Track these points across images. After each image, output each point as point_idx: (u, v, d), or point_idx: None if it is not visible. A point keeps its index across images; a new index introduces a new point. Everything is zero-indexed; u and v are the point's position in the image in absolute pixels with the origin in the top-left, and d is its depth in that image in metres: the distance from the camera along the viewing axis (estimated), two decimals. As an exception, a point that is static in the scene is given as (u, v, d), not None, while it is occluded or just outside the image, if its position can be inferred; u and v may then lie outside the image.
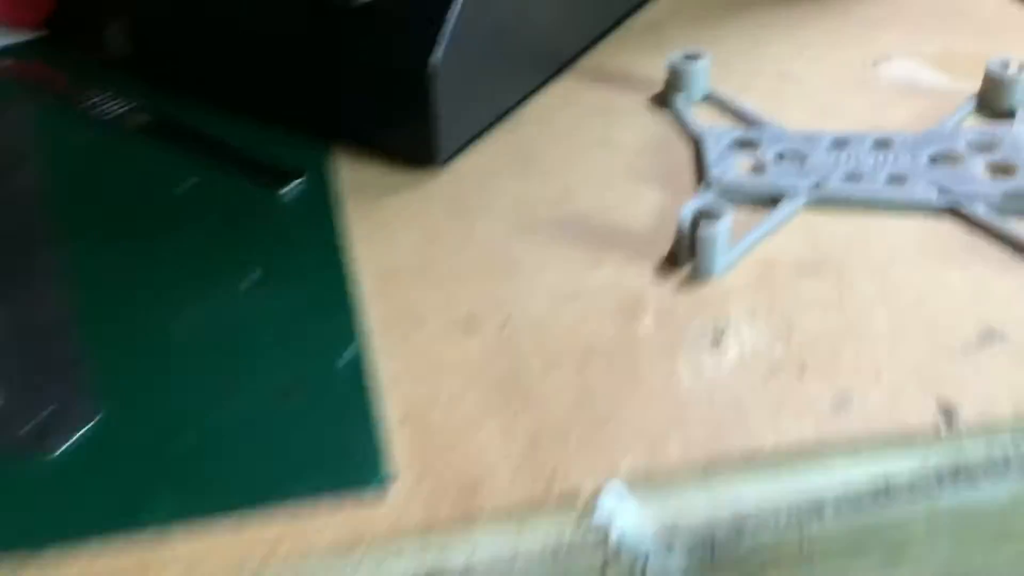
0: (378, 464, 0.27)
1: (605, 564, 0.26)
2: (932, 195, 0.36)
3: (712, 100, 0.43)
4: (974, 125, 0.41)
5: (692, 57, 0.43)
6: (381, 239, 0.35)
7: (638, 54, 0.47)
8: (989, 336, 0.31)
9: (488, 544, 0.25)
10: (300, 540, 0.25)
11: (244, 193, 0.37)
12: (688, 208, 0.33)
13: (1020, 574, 0.30)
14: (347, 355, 0.30)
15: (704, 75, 0.43)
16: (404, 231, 0.36)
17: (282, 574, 0.25)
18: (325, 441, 0.27)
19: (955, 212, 0.36)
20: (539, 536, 0.25)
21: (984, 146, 0.38)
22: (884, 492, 0.27)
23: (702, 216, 0.33)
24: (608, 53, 0.47)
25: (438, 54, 0.36)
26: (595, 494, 0.26)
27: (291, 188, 0.37)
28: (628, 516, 0.26)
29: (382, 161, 0.39)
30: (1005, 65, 0.41)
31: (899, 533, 0.28)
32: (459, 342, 0.31)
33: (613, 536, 0.26)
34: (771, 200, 0.36)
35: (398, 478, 0.27)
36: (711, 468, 0.27)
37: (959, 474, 0.27)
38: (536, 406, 0.29)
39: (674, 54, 0.43)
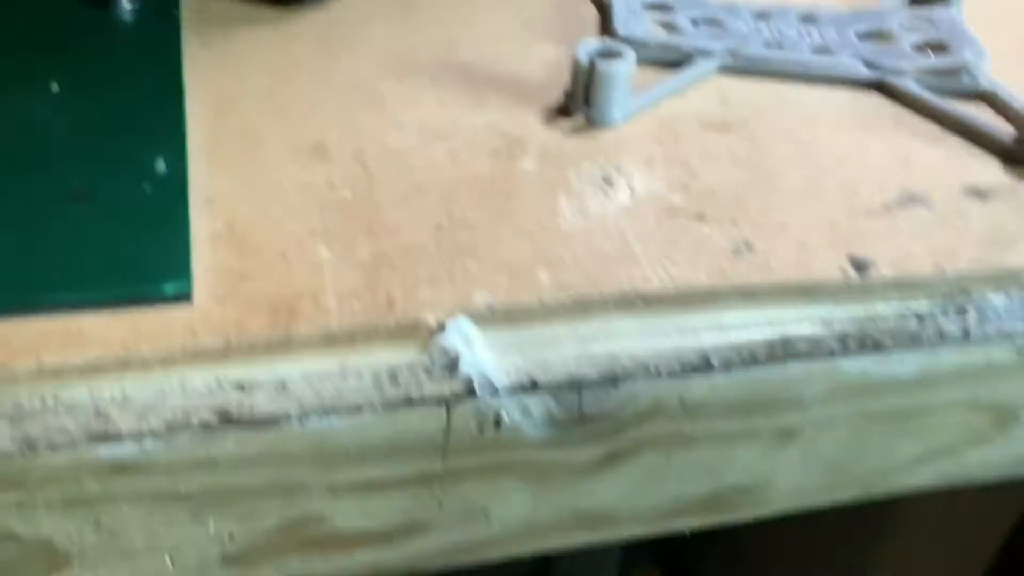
0: (177, 278, 0.22)
1: (449, 415, 0.21)
2: (859, 67, 0.32)
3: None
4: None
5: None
6: (226, 66, 0.30)
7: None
8: (911, 199, 0.27)
9: (300, 366, 0.20)
10: (75, 347, 0.20)
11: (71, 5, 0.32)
12: (586, 47, 0.29)
13: (921, 478, 0.27)
14: (159, 168, 0.25)
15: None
16: (255, 61, 0.31)
17: (49, 386, 0.20)
18: (116, 250, 0.22)
19: (882, 87, 0.32)
20: (367, 368, 0.21)
21: (917, 26, 0.35)
22: (780, 349, 0.23)
23: (602, 56, 0.29)
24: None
25: None
26: (438, 329, 0.22)
27: (127, 4, 0.32)
28: (478, 358, 0.21)
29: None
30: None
31: (792, 406, 0.24)
32: (301, 167, 0.26)
33: (458, 380, 0.21)
34: (682, 61, 0.32)
35: (200, 294, 0.22)
36: (583, 309, 0.23)
37: (866, 340, 0.24)
38: (383, 233, 0.24)
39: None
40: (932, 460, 0.27)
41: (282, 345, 0.20)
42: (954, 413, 0.26)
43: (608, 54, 0.29)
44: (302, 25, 0.33)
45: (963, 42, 0.33)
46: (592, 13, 0.35)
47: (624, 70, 0.28)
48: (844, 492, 0.27)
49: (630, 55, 0.29)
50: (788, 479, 0.26)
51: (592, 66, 0.28)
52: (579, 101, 0.29)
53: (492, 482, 0.23)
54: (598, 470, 0.24)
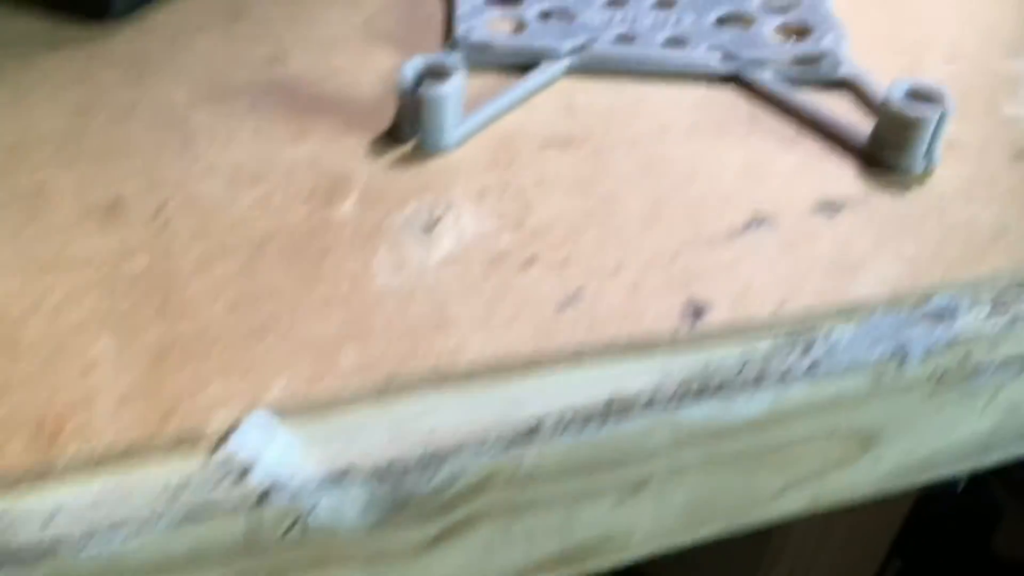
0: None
1: (251, 520, 0.20)
2: (714, 60, 0.30)
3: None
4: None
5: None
6: (19, 106, 0.27)
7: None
8: (758, 222, 0.25)
9: (71, 497, 0.19)
10: None
11: None
12: (411, 67, 0.27)
13: (788, 506, 0.26)
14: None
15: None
16: (53, 96, 0.28)
17: None
18: None
19: (739, 81, 0.30)
20: (149, 485, 0.19)
21: (779, 7, 0.33)
22: (616, 406, 0.22)
23: (428, 75, 0.27)
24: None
25: None
26: (229, 431, 0.20)
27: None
28: (278, 455, 0.20)
29: (46, 11, 0.31)
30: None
31: (636, 459, 0.23)
32: (92, 231, 0.24)
33: (255, 484, 0.19)
34: (529, 65, 0.30)
35: (-38, 412, 0.19)
36: (394, 389, 0.21)
37: (707, 386, 0.22)
38: (176, 313, 0.22)
39: None
40: (796, 488, 0.26)
41: (45, 473, 0.18)
42: (813, 443, 0.25)
43: (436, 74, 0.27)
44: (112, 45, 0.30)
45: (826, 26, 0.31)
46: (438, 8, 0.33)
47: (452, 92, 0.26)
48: (708, 528, 0.26)
49: (458, 75, 0.26)
50: (645, 525, 0.25)
51: (417, 90, 0.26)
52: (408, 126, 0.27)
53: (320, 571, 0.22)
54: (432, 547, 0.22)
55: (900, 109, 0.26)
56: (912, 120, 0.26)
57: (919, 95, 0.27)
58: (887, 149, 0.27)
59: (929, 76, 0.31)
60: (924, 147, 0.27)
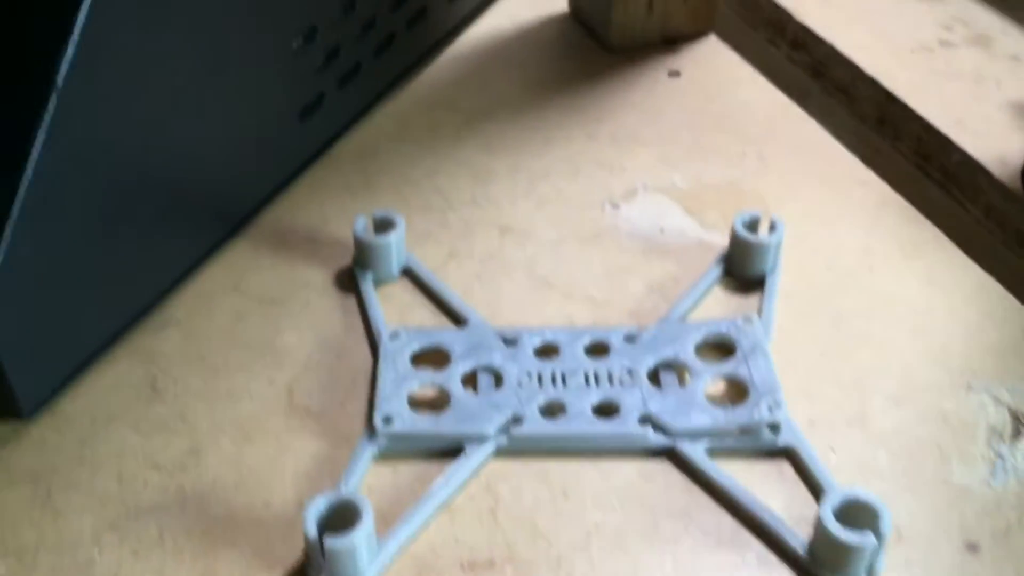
0: None
1: None
2: (647, 436, 0.29)
3: (411, 275, 0.35)
4: (720, 297, 0.34)
5: (385, 224, 0.35)
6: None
7: (337, 199, 0.38)
8: None
9: None
10: None
11: None
12: (313, 511, 0.25)
13: None
14: None
15: (398, 249, 0.35)
16: (-45, 540, 0.27)
17: None
18: None
19: (673, 455, 0.29)
20: None
21: (717, 349, 0.32)
22: None
23: (333, 520, 0.25)
24: (300, 199, 0.38)
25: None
26: None
27: None
28: None
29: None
30: (752, 224, 0.34)
31: None
32: None
33: None
34: (453, 450, 0.29)
35: None
36: None
37: None
38: None
39: (360, 221, 0.34)
40: None
41: None
42: None
43: (342, 515, 0.25)
44: (22, 446, 0.29)
45: (764, 386, 0.30)
46: (366, 364, 0.32)
47: (360, 542, 0.25)
48: None
49: (365, 516, 0.25)
50: None
51: (322, 539, 0.25)
52: (318, 567, 0.26)
53: None
54: None
55: (834, 534, 0.25)
56: (847, 546, 0.25)
57: (857, 509, 0.26)
58: (825, 568, 0.26)
59: (876, 426, 0.30)
60: (863, 567, 0.25)
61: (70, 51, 0.26)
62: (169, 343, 0.33)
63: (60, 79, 0.26)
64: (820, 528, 0.25)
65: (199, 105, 0.32)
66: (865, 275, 0.35)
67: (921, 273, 0.35)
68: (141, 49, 0.29)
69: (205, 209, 0.35)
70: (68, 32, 0.26)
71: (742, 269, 0.35)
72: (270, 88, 0.36)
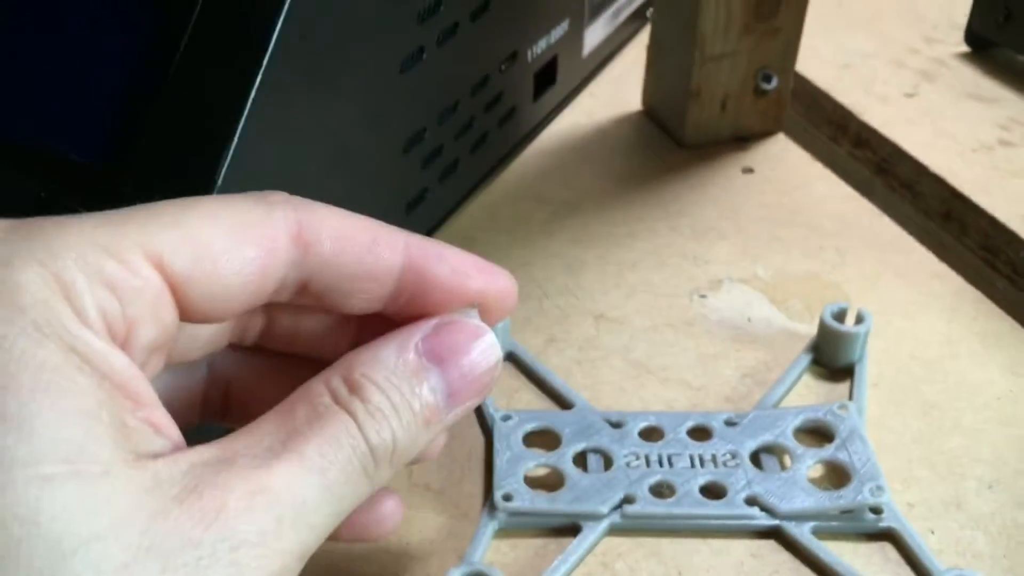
0: None
1: None
2: (754, 517, 0.30)
3: (515, 360, 0.37)
4: (810, 383, 0.36)
5: (490, 311, 0.37)
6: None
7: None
8: None
9: None
10: None
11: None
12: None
13: None
14: None
15: (503, 335, 0.37)
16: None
17: None
18: None
19: (779, 535, 0.30)
20: None
21: (814, 434, 0.33)
22: None
23: (470, 587, 0.27)
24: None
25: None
26: None
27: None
28: None
29: None
30: (840, 315, 0.36)
31: None
32: None
33: None
34: (570, 527, 0.30)
35: None
36: None
37: None
38: None
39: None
40: None
41: None
42: None
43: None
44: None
45: (864, 469, 0.31)
46: (479, 442, 0.34)
47: (494, 612, 0.26)
48: None
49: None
50: None
51: (462, 607, 0.26)
52: (452, 637, 0.27)
53: None
54: None
55: (947, 613, 0.26)
56: (960, 625, 0.26)
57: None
58: (937, 647, 0.27)
59: (972, 508, 0.31)
60: (975, 647, 0.26)
61: (234, 143, 0.29)
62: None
63: (221, 174, 0.29)
64: (932, 608, 0.27)
65: (325, 196, 0.35)
66: (948, 363, 0.37)
67: (1003, 363, 0.37)
68: (285, 144, 0.32)
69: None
70: (234, 126, 0.29)
71: (831, 358, 0.36)
72: (383, 183, 0.38)
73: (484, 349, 0.23)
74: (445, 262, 0.23)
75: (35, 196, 0.29)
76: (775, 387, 0.35)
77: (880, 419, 0.34)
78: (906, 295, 0.40)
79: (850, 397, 0.35)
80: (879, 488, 0.30)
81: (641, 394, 0.36)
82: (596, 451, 0.32)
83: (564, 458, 0.32)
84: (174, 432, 0.20)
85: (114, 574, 0.17)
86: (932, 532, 0.30)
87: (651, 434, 0.33)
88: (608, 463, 0.32)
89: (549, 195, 0.46)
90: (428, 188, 0.41)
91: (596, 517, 0.30)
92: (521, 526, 0.31)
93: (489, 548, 0.30)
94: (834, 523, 0.30)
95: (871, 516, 0.30)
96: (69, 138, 0.31)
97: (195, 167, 0.29)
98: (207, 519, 0.18)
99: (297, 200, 0.22)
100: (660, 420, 0.33)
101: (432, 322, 0.22)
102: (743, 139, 0.50)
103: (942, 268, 0.42)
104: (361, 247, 0.22)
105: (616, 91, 0.54)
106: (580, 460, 0.32)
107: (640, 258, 0.42)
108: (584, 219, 0.45)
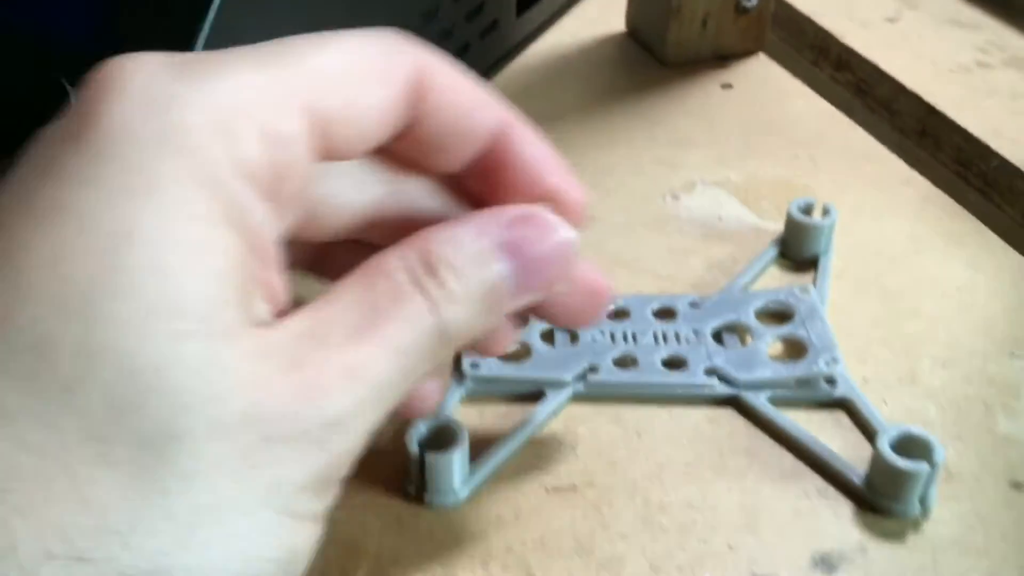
0: None
1: None
2: (713, 385, 0.31)
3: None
4: (776, 274, 0.37)
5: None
6: None
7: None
8: (755, 588, 0.26)
9: None
10: None
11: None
12: (415, 433, 0.28)
13: None
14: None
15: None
16: None
17: None
18: None
19: (737, 403, 0.31)
20: None
21: (776, 315, 0.34)
22: None
23: (431, 442, 0.28)
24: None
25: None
26: None
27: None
28: None
29: None
30: (807, 209, 0.37)
31: None
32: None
33: None
34: (534, 394, 0.32)
35: None
36: None
37: None
38: None
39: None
40: None
41: None
42: None
43: (440, 438, 0.28)
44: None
45: (821, 344, 0.32)
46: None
47: (457, 457, 0.28)
48: None
49: (463, 441, 0.28)
50: None
51: (423, 454, 0.28)
52: (415, 485, 0.28)
53: None
54: None
55: (891, 462, 0.27)
56: (903, 472, 0.27)
57: (910, 443, 0.28)
58: (881, 496, 0.28)
59: (925, 383, 0.32)
60: (917, 495, 0.28)
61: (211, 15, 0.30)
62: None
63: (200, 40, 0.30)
64: (877, 458, 0.28)
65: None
66: (912, 259, 0.38)
67: (964, 258, 0.38)
68: (261, 24, 0.32)
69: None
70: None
71: (797, 251, 0.37)
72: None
73: (558, 245, 0.22)
74: (533, 147, 0.23)
75: (22, 75, 0.30)
76: (740, 275, 0.36)
77: (842, 305, 0.35)
78: (876, 198, 0.41)
79: (814, 284, 0.36)
80: (834, 359, 0.31)
81: (613, 282, 0.36)
82: (564, 328, 0.33)
83: (532, 333, 0.33)
84: (283, 297, 0.20)
85: (223, 434, 0.17)
86: (885, 403, 0.31)
87: (619, 315, 0.34)
88: (574, 338, 0.33)
89: (531, 109, 0.47)
90: (409, 91, 0.42)
91: (560, 384, 0.31)
92: (487, 393, 0.32)
93: (456, 413, 0.31)
94: (790, 392, 0.31)
95: (825, 386, 0.31)
96: (54, 20, 0.32)
97: (175, 32, 0.30)
98: (305, 395, 0.18)
99: (418, 44, 0.22)
100: (627, 302, 0.34)
101: (512, 211, 0.22)
102: (724, 58, 0.51)
103: (912, 175, 0.43)
104: (467, 103, 0.22)
105: (600, 12, 0.54)
106: (548, 337, 0.33)
107: (617, 163, 0.43)
108: (565, 128, 0.46)
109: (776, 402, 0.31)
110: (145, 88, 0.18)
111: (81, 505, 0.16)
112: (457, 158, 0.23)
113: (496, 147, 0.23)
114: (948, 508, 0.28)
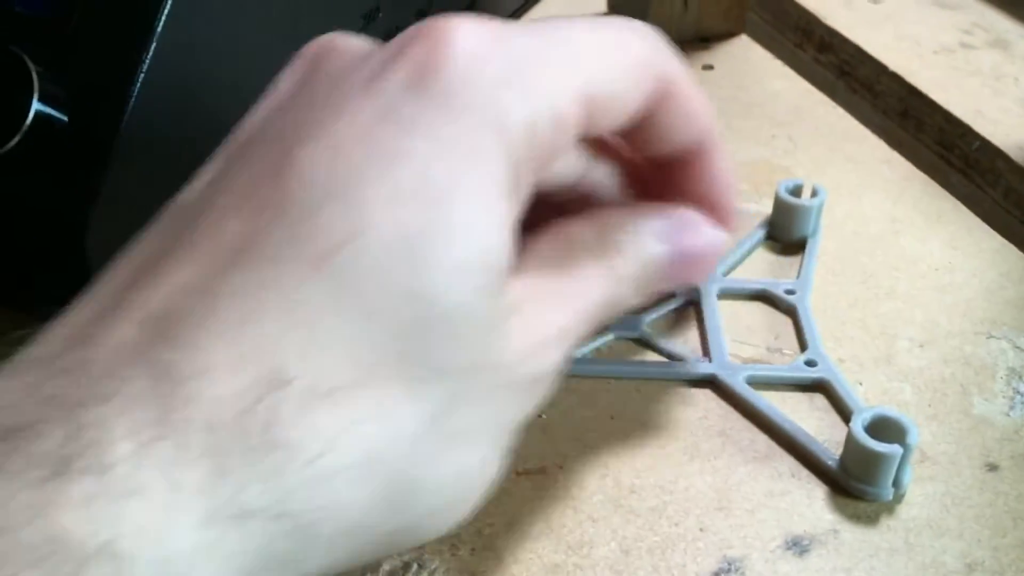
0: None
1: None
2: (695, 366, 0.31)
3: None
4: (763, 256, 0.37)
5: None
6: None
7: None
8: (725, 571, 0.26)
9: None
10: None
11: None
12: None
13: None
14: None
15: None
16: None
17: None
18: None
19: (715, 383, 0.31)
20: None
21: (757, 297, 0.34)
22: None
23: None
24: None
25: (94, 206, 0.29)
26: None
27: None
28: None
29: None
30: (795, 191, 0.37)
31: None
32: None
33: None
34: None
35: None
36: None
37: None
38: None
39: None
40: None
41: None
42: None
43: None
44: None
45: (802, 330, 0.32)
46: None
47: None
48: None
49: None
50: None
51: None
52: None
53: None
54: None
55: (864, 444, 0.27)
56: (876, 455, 0.27)
57: (885, 425, 0.28)
58: (855, 479, 0.27)
59: (901, 364, 0.32)
60: (890, 477, 0.27)
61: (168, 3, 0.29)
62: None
63: (159, 26, 0.29)
64: (851, 441, 0.27)
65: (273, 68, 0.35)
66: (891, 239, 0.37)
67: (943, 238, 0.37)
68: (227, 9, 0.32)
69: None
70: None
71: (785, 232, 0.37)
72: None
73: (710, 246, 0.25)
74: (721, 164, 0.25)
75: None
76: (726, 258, 0.36)
77: (819, 286, 0.35)
78: (855, 178, 0.41)
79: (800, 269, 0.35)
80: (817, 350, 0.31)
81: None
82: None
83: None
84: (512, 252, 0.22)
85: (481, 376, 0.20)
86: (860, 384, 0.31)
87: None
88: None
89: (509, 88, 0.46)
90: (384, 70, 0.41)
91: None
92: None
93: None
94: (769, 373, 0.31)
95: (804, 366, 0.31)
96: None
97: (134, 17, 0.30)
98: (533, 351, 0.21)
99: (666, 44, 0.23)
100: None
101: (684, 213, 0.25)
102: (706, 39, 0.50)
103: (892, 155, 0.42)
104: (693, 113, 0.23)
105: (582, -7, 0.54)
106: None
107: (595, 143, 0.43)
108: (543, 110, 0.45)
109: (754, 384, 0.31)
110: (477, 59, 0.20)
111: (379, 416, 0.18)
112: (660, 154, 0.25)
113: (693, 152, 0.25)
114: (922, 489, 0.28)
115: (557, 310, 0.22)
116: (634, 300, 0.24)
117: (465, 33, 0.20)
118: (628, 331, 0.32)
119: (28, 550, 0.15)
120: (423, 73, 0.19)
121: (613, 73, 0.21)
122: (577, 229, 0.24)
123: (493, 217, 0.19)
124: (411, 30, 0.20)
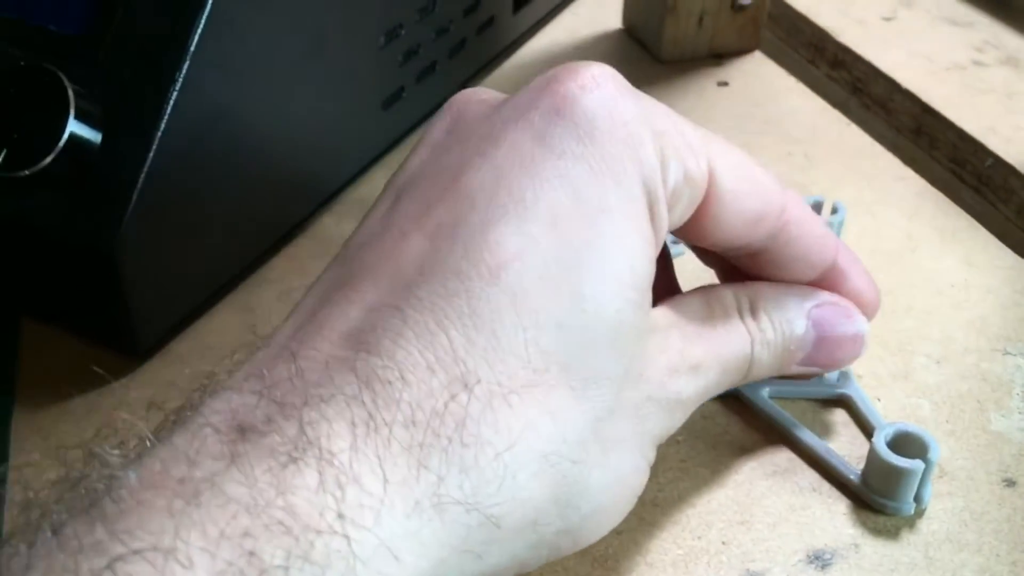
0: None
1: None
2: (707, 381, 0.31)
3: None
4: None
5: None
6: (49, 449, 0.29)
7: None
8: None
9: None
10: None
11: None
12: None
13: None
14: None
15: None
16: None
17: None
18: None
19: (738, 397, 0.31)
20: None
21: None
22: None
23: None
24: (380, 179, 0.41)
25: (125, 227, 0.30)
26: None
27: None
28: None
29: (80, 346, 0.33)
30: (815, 207, 0.37)
31: None
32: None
33: None
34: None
35: None
36: None
37: None
38: None
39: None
40: None
41: None
42: None
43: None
44: (137, 383, 0.32)
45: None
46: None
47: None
48: None
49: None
50: None
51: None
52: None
53: None
54: None
55: (886, 459, 0.27)
56: (899, 470, 0.27)
57: (906, 440, 0.28)
58: (877, 494, 0.28)
59: (919, 380, 0.32)
60: (912, 493, 0.28)
61: (207, 10, 0.30)
62: (265, 298, 0.36)
63: (192, 47, 0.30)
64: (873, 456, 0.28)
65: (299, 88, 0.36)
66: (908, 256, 0.38)
67: (959, 255, 0.38)
68: (256, 31, 0.32)
69: (297, 184, 0.38)
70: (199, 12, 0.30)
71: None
72: (359, 77, 0.39)
73: (856, 335, 0.28)
74: (859, 277, 0.28)
75: (16, 63, 0.30)
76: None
77: (836, 302, 0.35)
78: (870, 195, 0.41)
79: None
80: (830, 356, 0.31)
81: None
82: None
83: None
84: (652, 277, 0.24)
85: (633, 387, 0.22)
86: (879, 399, 0.31)
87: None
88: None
89: (527, 104, 0.47)
90: (405, 87, 0.42)
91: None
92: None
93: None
94: (789, 388, 0.31)
95: (825, 384, 0.31)
96: (49, 13, 0.32)
97: (167, 39, 0.30)
98: (671, 375, 0.24)
99: (782, 186, 0.26)
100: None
101: (832, 297, 0.27)
102: (720, 56, 0.51)
103: (907, 172, 0.43)
104: (812, 244, 0.27)
105: (597, 10, 0.54)
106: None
107: (612, 159, 0.43)
108: (560, 126, 0.45)
109: (777, 398, 0.31)
110: (615, 96, 0.22)
111: (550, 417, 0.20)
112: (793, 277, 0.27)
113: (827, 275, 0.27)
114: (942, 504, 0.28)
115: (696, 345, 0.24)
116: (769, 369, 0.26)
117: (602, 72, 0.22)
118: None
119: (273, 523, 0.17)
120: (566, 103, 0.22)
121: (734, 178, 0.24)
122: (727, 291, 0.26)
123: (638, 235, 0.22)
124: (549, 73, 0.23)
